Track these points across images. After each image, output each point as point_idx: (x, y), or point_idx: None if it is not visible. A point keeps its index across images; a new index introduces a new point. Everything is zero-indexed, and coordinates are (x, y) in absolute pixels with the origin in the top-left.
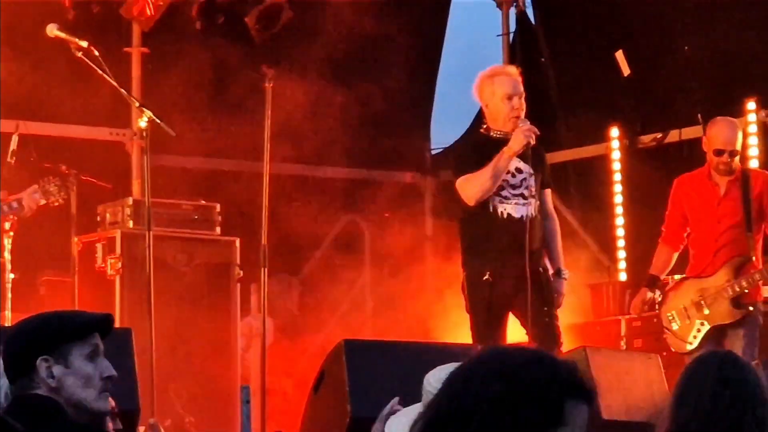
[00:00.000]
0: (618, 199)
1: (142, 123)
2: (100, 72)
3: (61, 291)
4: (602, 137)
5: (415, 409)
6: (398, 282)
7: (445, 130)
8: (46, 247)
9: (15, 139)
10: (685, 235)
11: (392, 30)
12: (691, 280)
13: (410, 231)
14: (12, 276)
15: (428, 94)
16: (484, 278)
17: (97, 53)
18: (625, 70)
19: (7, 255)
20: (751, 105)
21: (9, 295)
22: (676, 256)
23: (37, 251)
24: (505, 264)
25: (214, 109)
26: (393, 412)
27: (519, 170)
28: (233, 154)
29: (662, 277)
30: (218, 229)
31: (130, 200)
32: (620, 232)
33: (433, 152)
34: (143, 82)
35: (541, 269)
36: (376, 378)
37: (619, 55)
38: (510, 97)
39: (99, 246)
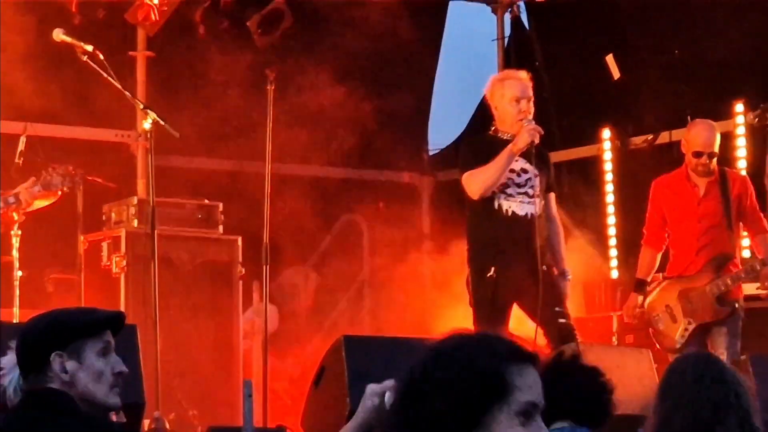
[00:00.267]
0: (610, 198)
1: (147, 125)
2: (105, 75)
3: (68, 288)
4: (594, 138)
5: None
6: (396, 279)
7: (441, 132)
8: (53, 245)
9: (23, 140)
10: (666, 235)
11: (392, 34)
12: (675, 279)
13: (408, 229)
14: (20, 274)
15: (426, 96)
16: (489, 274)
17: (101, 57)
18: (616, 74)
19: (15, 253)
20: (739, 107)
21: (17, 292)
22: (659, 256)
23: (44, 250)
24: (509, 261)
25: (217, 110)
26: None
27: (524, 170)
28: (236, 155)
29: (649, 279)
30: (221, 228)
31: (134, 200)
32: (612, 230)
33: (431, 153)
34: (148, 84)
35: (545, 267)
36: (374, 372)
37: (610, 59)
38: (518, 100)
39: (104, 245)
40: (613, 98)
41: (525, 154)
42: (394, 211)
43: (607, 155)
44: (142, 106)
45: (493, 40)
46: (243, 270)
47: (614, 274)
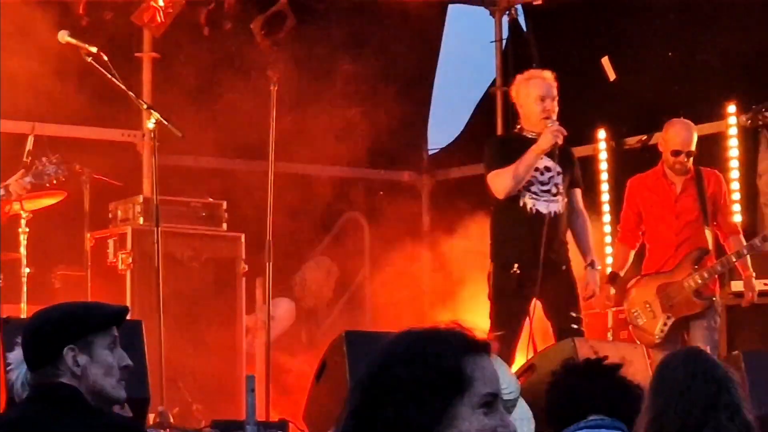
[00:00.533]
0: (605, 197)
1: (150, 124)
2: (109, 76)
3: (75, 285)
4: (590, 139)
5: None
6: (396, 275)
7: (441, 132)
8: (60, 242)
9: (31, 139)
10: (641, 233)
11: (392, 36)
12: (652, 275)
13: (408, 226)
14: (28, 270)
15: (426, 97)
16: (512, 270)
17: (105, 58)
18: (611, 76)
19: (22, 250)
20: (731, 109)
21: (25, 288)
22: (633, 253)
23: (51, 247)
24: (532, 258)
25: (222, 110)
26: None
27: (548, 168)
28: (240, 154)
29: (621, 274)
30: (224, 226)
31: (140, 198)
32: (607, 228)
33: (430, 152)
34: (153, 85)
35: (564, 266)
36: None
37: (605, 61)
38: (543, 99)
39: (111, 242)
40: (609, 99)
41: (548, 153)
42: (394, 208)
43: (603, 155)
44: (145, 106)
45: (491, 42)
46: (246, 267)
47: (609, 271)
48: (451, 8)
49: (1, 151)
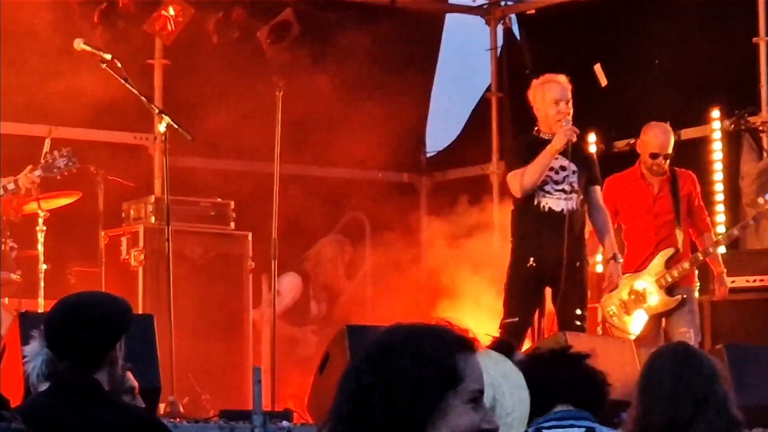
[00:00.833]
0: None
1: (162, 128)
2: (122, 81)
3: (89, 280)
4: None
5: None
6: (396, 272)
7: (439, 135)
8: (76, 240)
9: (48, 142)
10: (617, 225)
11: (394, 43)
12: (628, 275)
13: (407, 225)
14: (45, 267)
15: (424, 102)
16: (528, 264)
17: (119, 65)
18: (603, 82)
19: (40, 248)
20: (715, 114)
21: (42, 284)
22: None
23: (67, 244)
24: (547, 253)
25: (229, 114)
26: None
27: (563, 168)
28: (247, 156)
29: (596, 256)
30: (232, 224)
31: (152, 198)
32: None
33: (428, 155)
34: (164, 90)
35: (578, 263)
36: None
37: (597, 68)
38: (557, 102)
39: (124, 240)
40: (599, 104)
41: (564, 152)
42: (395, 207)
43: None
44: (157, 111)
45: (486, 50)
46: (253, 263)
47: (599, 268)
48: (449, 18)
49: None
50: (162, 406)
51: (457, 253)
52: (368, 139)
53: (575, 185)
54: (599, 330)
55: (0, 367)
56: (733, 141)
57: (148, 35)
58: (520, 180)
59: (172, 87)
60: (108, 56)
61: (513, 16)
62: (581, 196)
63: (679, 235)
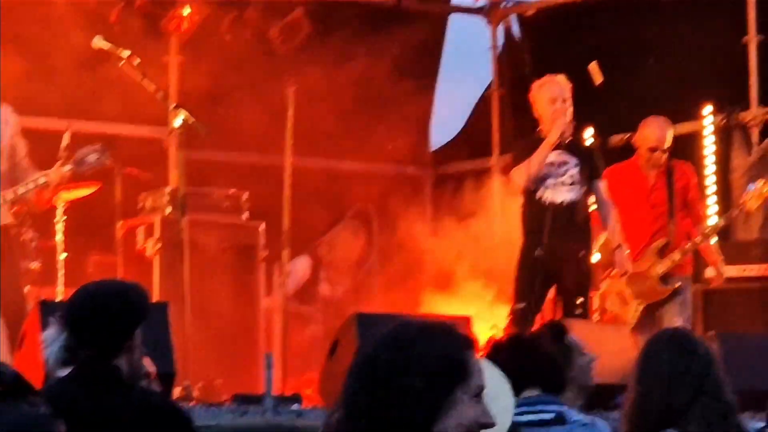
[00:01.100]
0: None
1: (178, 122)
2: (139, 78)
3: (107, 269)
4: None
5: None
6: (402, 261)
7: (442, 130)
8: (94, 230)
9: (67, 136)
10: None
11: (400, 43)
12: None
13: (412, 216)
14: (64, 256)
15: (429, 98)
16: (535, 254)
17: (138, 61)
18: (598, 79)
19: (59, 237)
20: (707, 110)
21: (61, 273)
22: (604, 235)
23: (85, 234)
24: (551, 244)
25: (243, 109)
26: None
27: (564, 162)
28: (259, 149)
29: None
30: (245, 215)
31: (168, 189)
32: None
33: (433, 148)
34: (180, 86)
35: (581, 252)
36: None
37: (593, 66)
38: (554, 100)
39: (140, 230)
40: (595, 101)
41: (565, 147)
42: (400, 199)
43: None
44: (173, 106)
45: (488, 49)
46: (265, 253)
47: (596, 257)
48: (453, 17)
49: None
50: (177, 390)
51: (460, 243)
52: (375, 134)
53: (576, 178)
54: (596, 317)
55: (20, 354)
56: (724, 136)
57: (164, 33)
58: (518, 176)
59: (186, 83)
60: (126, 53)
61: (513, 16)
62: (583, 189)
63: (672, 227)
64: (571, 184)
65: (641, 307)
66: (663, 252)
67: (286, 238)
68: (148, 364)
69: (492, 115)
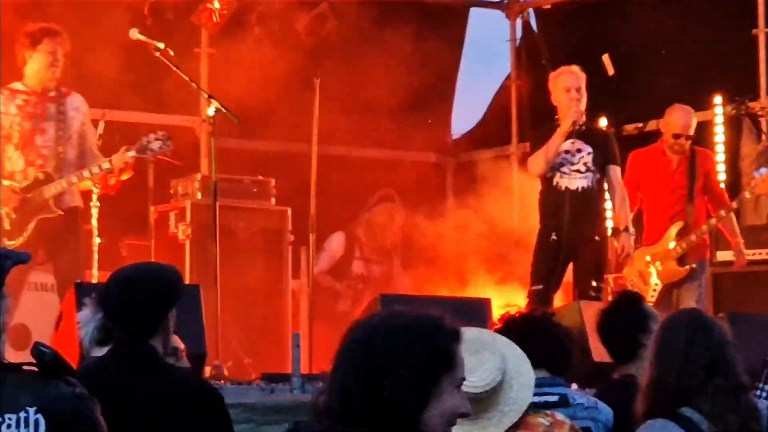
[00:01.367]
0: None
1: (210, 111)
2: (174, 69)
3: (140, 253)
4: None
5: None
6: (424, 246)
7: (463, 118)
8: (127, 215)
9: (101, 125)
10: (639, 198)
11: (422, 35)
12: (644, 247)
13: (435, 202)
14: (98, 240)
15: (450, 88)
16: (551, 238)
17: (171, 53)
18: (610, 70)
19: (94, 222)
20: (717, 99)
21: (96, 256)
22: (630, 215)
23: (119, 219)
24: (566, 229)
25: (271, 99)
26: None
27: (579, 150)
28: (287, 137)
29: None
30: (273, 201)
31: (198, 176)
32: (608, 204)
33: (454, 137)
34: (210, 77)
35: (596, 237)
36: None
37: (605, 58)
38: (568, 90)
39: (172, 215)
40: (609, 91)
41: (579, 135)
42: (422, 186)
43: None
44: (206, 96)
45: (506, 41)
46: (292, 237)
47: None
48: (473, 11)
49: None
50: (208, 370)
51: (480, 228)
52: (398, 122)
53: (590, 165)
54: (610, 299)
55: (58, 334)
56: (734, 125)
57: (195, 26)
58: (533, 164)
59: (217, 73)
60: (161, 45)
61: (531, 10)
62: (597, 175)
63: (691, 210)
64: (585, 171)
65: (659, 288)
66: (681, 234)
67: (313, 222)
68: (177, 341)
69: (511, 104)
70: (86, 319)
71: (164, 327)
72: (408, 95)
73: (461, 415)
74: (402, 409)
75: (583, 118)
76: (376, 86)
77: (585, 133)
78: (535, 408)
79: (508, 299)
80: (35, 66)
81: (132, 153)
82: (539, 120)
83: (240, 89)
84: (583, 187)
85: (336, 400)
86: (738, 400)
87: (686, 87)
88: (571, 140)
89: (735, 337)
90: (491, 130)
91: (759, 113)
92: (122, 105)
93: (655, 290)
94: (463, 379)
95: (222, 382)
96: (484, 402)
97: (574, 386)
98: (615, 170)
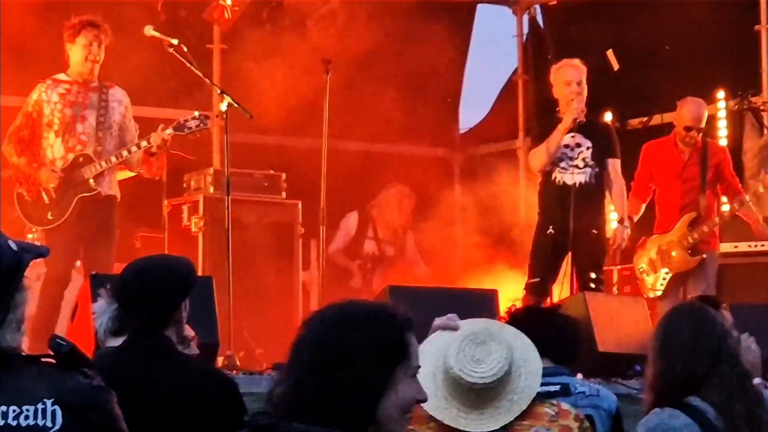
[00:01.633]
0: None
1: (223, 107)
2: (187, 64)
3: (153, 245)
4: None
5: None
6: (432, 238)
7: (471, 113)
8: (142, 208)
9: None
10: (652, 189)
11: (430, 30)
12: (656, 236)
13: (442, 196)
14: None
15: (458, 83)
16: (548, 232)
17: (185, 49)
18: (615, 66)
19: None
20: (720, 94)
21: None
22: (644, 206)
23: (134, 212)
24: (564, 223)
25: (281, 95)
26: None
27: (578, 144)
28: (297, 132)
29: (635, 217)
30: (284, 194)
31: (211, 170)
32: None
33: (461, 131)
34: (222, 72)
35: (594, 231)
36: (416, 317)
37: (610, 53)
38: (569, 83)
39: (185, 208)
40: (614, 86)
41: (579, 129)
42: (430, 179)
43: None
44: (219, 91)
45: (513, 37)
46: (303, 230)
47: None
48: (480, 7)
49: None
50: (220, 360)
51: (487, 222)
52: (406, 117)
53: (588, 160)
54: (615, 290)
55: (73, 325)
56: (736, 119)
57: (207, 23)
58: (534, 158)
59: (229, 69)
60: (175, 41)
61: (537, 6)
62: (596, 170)
63: (703, 201)
64: (584, 166)
65: (669, 276)
66: (693, 225)
67: (323, 216)
68: (189, 329)
69: (517, 99)
70: (101, 309)
71: (177, 317)
72: (415, 90)
73: (418, 401)
74: (357, 401)
75: (584, 114)
76: (385, 81)
77: (585, 126)
78: (540, 398)
79: (515, 292)
80: (75, 57)
81: (170, 131)
82: (546, 115)
83: (251, 84)
84: (581, 183)
85: (291, 393)
86: (744, 388)
87: (690, 82)
88: (571, 134)
89: (739, 328)
90: (498, 125)
91: (761, 108)
92: (136, 100)
93: (664, 279)
94: (418, 367)
95: (234, 371)
96: (492, 392)
97: (579, 376)
98: (614, 163)
